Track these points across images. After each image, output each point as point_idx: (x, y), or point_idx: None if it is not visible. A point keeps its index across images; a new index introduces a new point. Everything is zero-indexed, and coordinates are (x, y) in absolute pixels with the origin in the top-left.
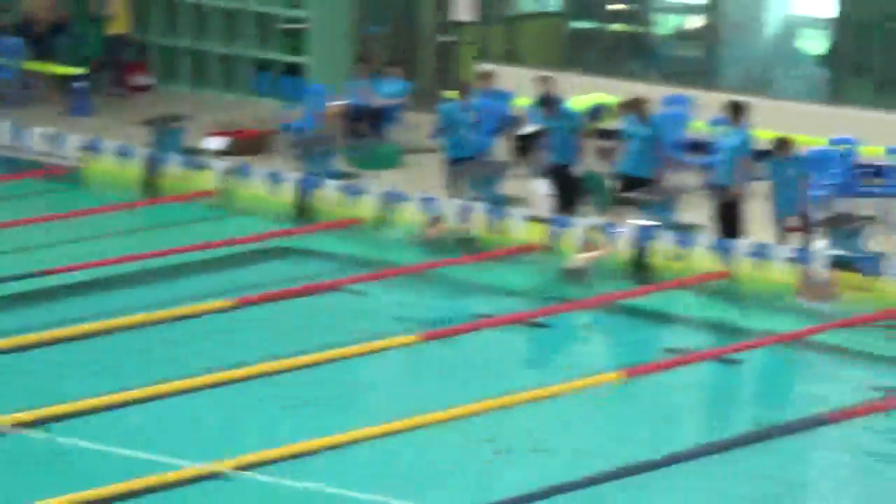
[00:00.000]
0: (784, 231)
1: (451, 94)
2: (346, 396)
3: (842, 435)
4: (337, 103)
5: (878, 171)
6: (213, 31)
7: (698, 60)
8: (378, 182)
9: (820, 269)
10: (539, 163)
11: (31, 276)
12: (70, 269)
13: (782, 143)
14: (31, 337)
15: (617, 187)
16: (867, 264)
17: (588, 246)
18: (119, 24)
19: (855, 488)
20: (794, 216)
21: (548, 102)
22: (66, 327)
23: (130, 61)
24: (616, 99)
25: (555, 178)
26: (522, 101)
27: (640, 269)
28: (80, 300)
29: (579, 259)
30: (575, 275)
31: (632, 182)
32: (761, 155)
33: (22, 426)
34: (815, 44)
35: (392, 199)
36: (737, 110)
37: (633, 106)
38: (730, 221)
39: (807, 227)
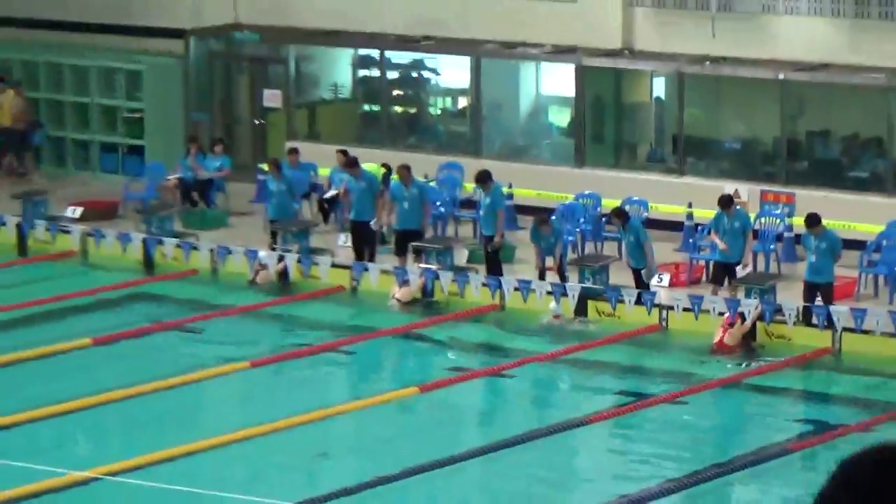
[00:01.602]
0: (544, 270)
1: (265, 167)
2: (192, 413)
3: (592, 436)
4: (172, 176)
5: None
6: (68, 120)
7: (465, 134)
8: (208, 239)
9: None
10: (342, 220)
11: None
12: None
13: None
14: None
15: (396, 239)
16: (612, 295)
17: (403, 285)
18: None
19: (601, 478)
20: (551, 258)
21: (352, 167)
22: None
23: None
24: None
25: (354, 232)
26: (324, 171)
27: (427, 303)
28: None
29: (403, 294)
30: (406, 307)
31: (406, 234)
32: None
33: None
34: (561, 117)
35: (221, 252)
36: (485, 177)
37: (398, 173)
38: (496, 262)
39: (561, 267)
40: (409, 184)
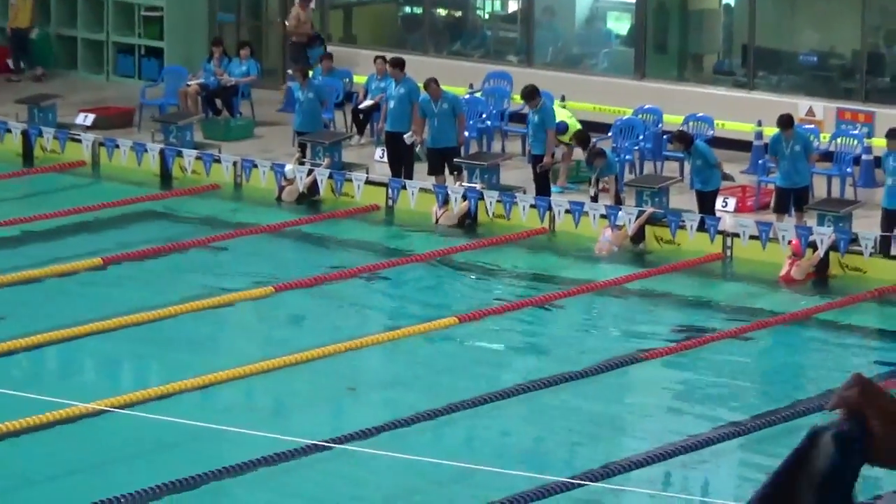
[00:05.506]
0: (599, 191)
1: (292, 73)
2: (210, 342)
3: (647, 373)
4: (194, 82)
5: None
6: (81, 18)
7: (515, 40)
8: (232, 151)
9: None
10: (378, 132)
11: None
12: None
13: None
14: None
15: (429, 157)
16: (672, 219)
17: (444, 205)
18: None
19: (655, 420)
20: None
21: (395, 67)
22: None
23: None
24: None
25: (390, 144)
26: (360, 79)
27: (469, 225)
28: None
29: (447, 218)
30: (452, 228)
31: (440, 152)
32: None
33: None
34: (621, 24)
35: (245, 166)
36: (532, 93)
37: (427, 87)
38: (545, 184)
39: (617, 192)
40: (439, 98)
